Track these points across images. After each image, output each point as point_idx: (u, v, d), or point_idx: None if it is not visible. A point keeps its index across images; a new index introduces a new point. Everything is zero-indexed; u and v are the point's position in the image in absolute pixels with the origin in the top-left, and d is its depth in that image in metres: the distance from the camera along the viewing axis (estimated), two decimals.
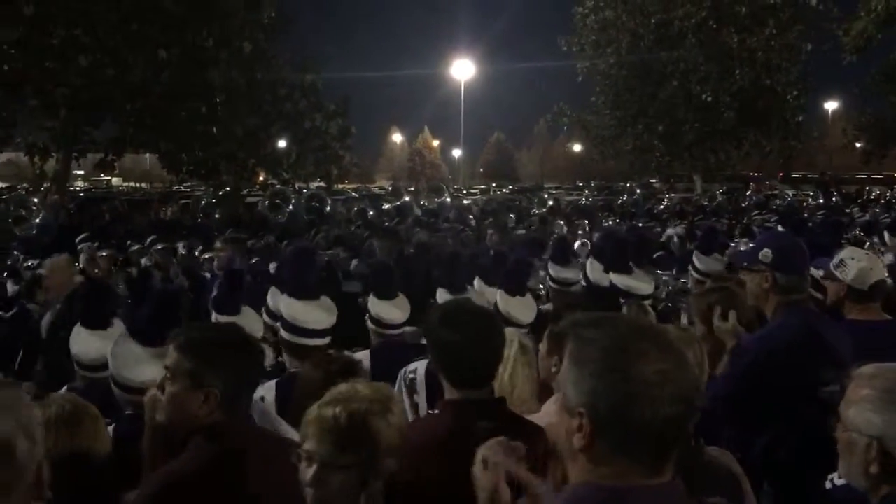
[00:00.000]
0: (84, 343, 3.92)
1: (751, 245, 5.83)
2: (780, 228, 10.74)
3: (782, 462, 3.17)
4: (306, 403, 2.31)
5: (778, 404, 3.21)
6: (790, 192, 28.98)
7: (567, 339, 1.59)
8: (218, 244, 6.98)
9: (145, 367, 3.43)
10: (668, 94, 28.18)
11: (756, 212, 19.27)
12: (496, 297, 5.04)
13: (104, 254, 8.65)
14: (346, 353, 3.81)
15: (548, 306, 6.30)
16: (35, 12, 16.89)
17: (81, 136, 19.87)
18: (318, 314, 3.95)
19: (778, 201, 23.64)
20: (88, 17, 17.30)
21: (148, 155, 28.79)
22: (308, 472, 2.14)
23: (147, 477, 2.60)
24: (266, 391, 3.55)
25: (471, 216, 17.10)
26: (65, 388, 3.99)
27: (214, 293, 4.80)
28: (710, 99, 27.01)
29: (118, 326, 4.00)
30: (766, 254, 3.45)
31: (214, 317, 4.40)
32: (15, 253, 10.35)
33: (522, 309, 4.92)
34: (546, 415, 2.87)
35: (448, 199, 19.77)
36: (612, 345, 1.51)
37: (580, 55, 30.61)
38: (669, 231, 13.47)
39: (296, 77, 21.50)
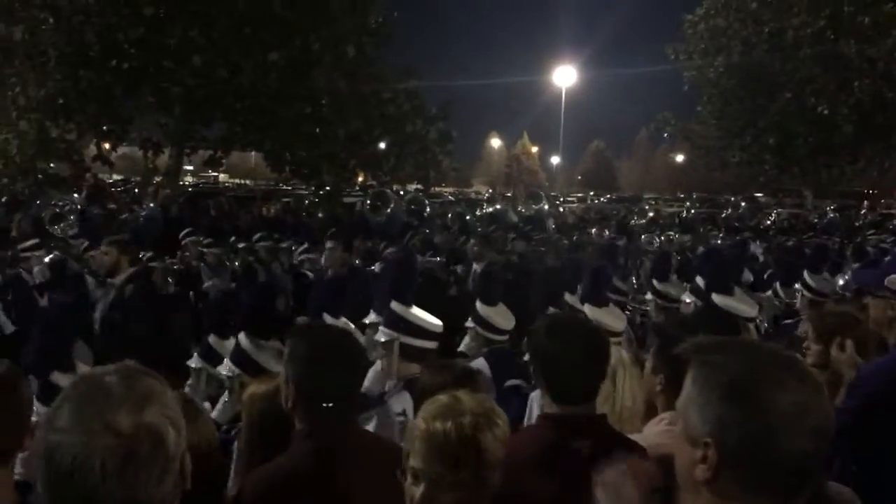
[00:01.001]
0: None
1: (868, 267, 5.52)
2: None
3: None
4: None
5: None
6: None
7: (689, 363, 1.48)
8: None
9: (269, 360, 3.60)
10: (780, 105, 27.14)
11: (871, 231, 18.37)
12: (584, 308, 4.99)
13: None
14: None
15: (655, 320, 6.16)
16: (154, 13, 17.71)
17: (193, 133, 20.67)
18: (429, 317, 4.00)
19: (895, 220, 22.47)
20: (204, 19, 17.99)
21: (253, 153, 29.68)
22: (416, 490, 2.04)
23: (245, 474, 2.67)
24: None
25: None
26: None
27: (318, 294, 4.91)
28: (826, 112, 25.81)
29: None
30: (893, 280, 3.24)
31: (325, 317, 4.51)
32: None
33: (612, 318, 4.86)
34: (650, 435, 2.77)
35: (546, 207, 19.58)
36: (745, 372, 1.40)
37: (688, 63, 29.90)
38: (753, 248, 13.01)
39: (399, 82, 21.75)
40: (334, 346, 2.62)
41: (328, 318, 4.51)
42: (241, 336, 3.80)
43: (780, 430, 1.34)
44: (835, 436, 2.85)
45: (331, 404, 2.54)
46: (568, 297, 5.41)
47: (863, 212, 26.13)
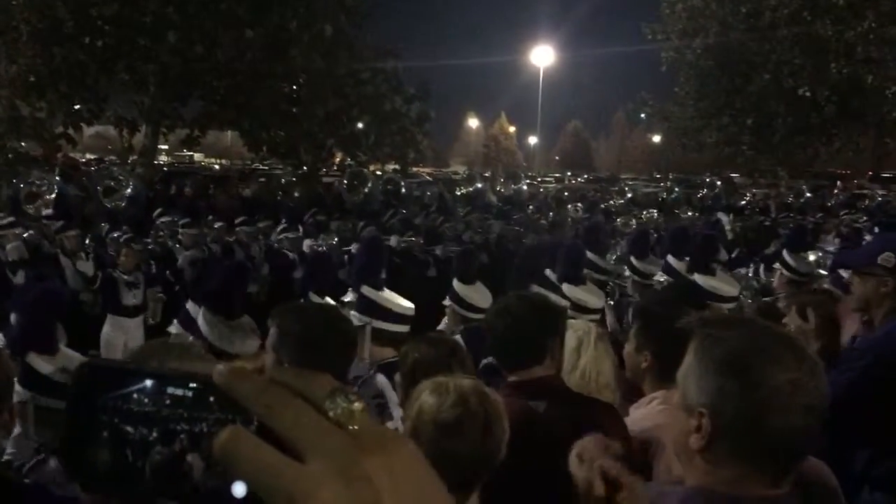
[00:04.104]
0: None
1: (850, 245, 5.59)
2: (875, 230, 10.40)
3: (886, 472, 3.03)
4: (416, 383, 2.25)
5: (887, 414, 3.07)
6: (880, 192, 27.86)
7: (677, 340, 1.52)
8: None
9: (233, 338, 3.56)
10: (758, 86, 27.30)
11: (844, 211, 18.60)
12: (563, 287, 5.05)
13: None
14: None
15: (631, 299, 6.23)
16: None
17: (169, 111, 20.41)
18: (400, 301, 4.00)
19: (867, 201, 22.76)
20: None
21: (229, 132, 29.37)
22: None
23: None
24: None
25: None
26: None
27: (304, 273, 4.92)
28: (808, 94, 25.95)
29: None
30: (887, 257, 3.27)
31: (311, 297, 4.50)
32: (103, 224, 10.70)
33: (590, 295, 4.93)
34: (643, 416, 2.82)
35: (525, 187, 19.63)
36: (746, 347, 1.44)
37: (665, 44, 29.97)
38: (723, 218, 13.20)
39: (377, 61, 21.59)
40: (328, 325, 2.63)
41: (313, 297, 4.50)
42: (201, 316, 3.70)
43: (774, 406, 1.38)
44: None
45: None
46: (549, 273, 5.46)
47: (835, 192, 26.43)
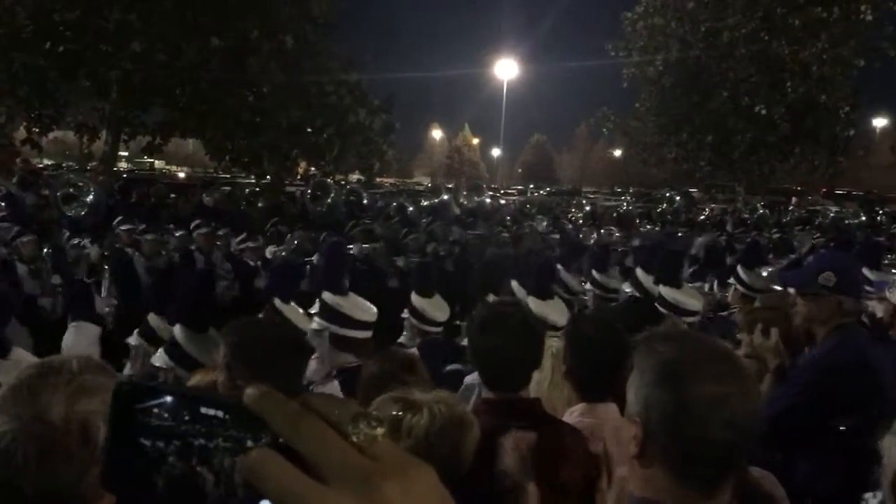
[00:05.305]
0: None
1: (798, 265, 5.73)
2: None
3: (828, 485, 3.13)
4: (372, 398, 2.27)
5: (829, 425, 3.17)
6: (833, 209, 28.50)
7: (596, 355, 1.60)
8: None
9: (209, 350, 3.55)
10: (716, 104, 27.81)
11: (798, 227, 19.00)
12: (528, 301, 5.06)
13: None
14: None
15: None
16: None
17: (131, 118, 20.17)
18: (362, 307, 4.01)
19: (820, 218, 23.29)
20: (143, 2, 17.57)
21: (191, 140, 29.06)
22: None
23: None
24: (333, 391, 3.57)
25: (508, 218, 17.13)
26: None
27: (269, 281, 4.89)
28: (764, 111, 26.53)
29: None
30: (828, 277, 3.30)
31: (277, 303, 4.48)
32: (64, 231, 10.55)
33: (555, 311, 4.94)
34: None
35: (487, 199, 19.70)
36: (673, 359, 1.51)
37: (627, 60, 30.37)
38: (700, 240, 13.37)
39: (342, 73, 21.55)
40: (278, 338, 2.60)
41: (278, 304, 4.49)
42: (177, 329, 3.70)
43: (693, 416, 1.44)
44: (766, 422, 3.00)
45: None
46: (514, 285, 5.49)
47: (790, 208, 27.00)
